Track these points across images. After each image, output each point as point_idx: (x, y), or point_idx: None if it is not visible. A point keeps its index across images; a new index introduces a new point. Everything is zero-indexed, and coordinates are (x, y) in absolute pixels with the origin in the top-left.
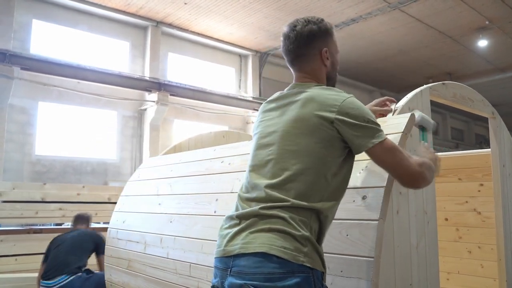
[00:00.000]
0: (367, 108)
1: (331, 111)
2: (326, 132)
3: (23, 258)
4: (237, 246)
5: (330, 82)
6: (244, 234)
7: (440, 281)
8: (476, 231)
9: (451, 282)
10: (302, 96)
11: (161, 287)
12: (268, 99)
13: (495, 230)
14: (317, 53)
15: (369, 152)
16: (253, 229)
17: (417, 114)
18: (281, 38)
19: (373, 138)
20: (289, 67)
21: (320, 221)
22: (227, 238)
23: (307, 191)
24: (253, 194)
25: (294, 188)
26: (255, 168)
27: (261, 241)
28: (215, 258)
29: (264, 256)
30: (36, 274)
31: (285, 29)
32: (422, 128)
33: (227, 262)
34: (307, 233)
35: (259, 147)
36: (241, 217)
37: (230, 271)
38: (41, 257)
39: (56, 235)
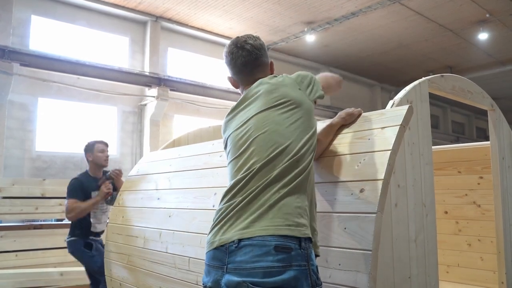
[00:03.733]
0: None
1: None
2: None
3: (23, 253)
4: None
5: None
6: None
7: (440, 274)
8: (475, 224)
9: (451, 274)
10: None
11: (161, 281)
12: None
13: (494, 222)
14: (268, 63)
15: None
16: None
17: None
18: (232, 52)
19: None
20: (243, 77)
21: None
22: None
23: None
24: None
25: None
26: None
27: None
28: (207, 253)
29: (263, 246)
30: (36, 270)
31: (234, 45)
32: None
33: (223, 259)
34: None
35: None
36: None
37: (226, 268)
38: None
39: (56, 231)
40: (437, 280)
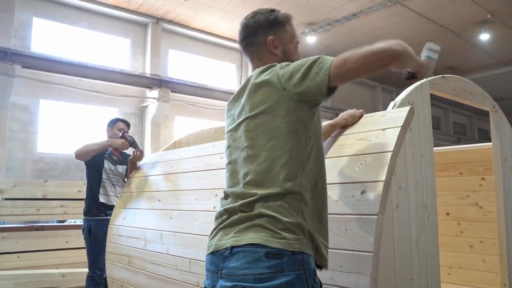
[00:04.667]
0: None
1: None
2: None
3: (25, 255)
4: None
5: None
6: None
7: (442, 276)
8: (477, 225)
9: (453, 276)
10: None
11: (162, 283)
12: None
13: (496, 224)
14: (263, 41)
15: None
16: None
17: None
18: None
19: None
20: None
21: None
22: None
23: None
24: None
25: None
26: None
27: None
28: (206, 256)
29: (254, 253)
30: (38, 271)
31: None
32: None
33: (218, 264)
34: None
35: None
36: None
37: (221, 273)
38: (43, 254)
39: (58, 232)
40: (439, 282)
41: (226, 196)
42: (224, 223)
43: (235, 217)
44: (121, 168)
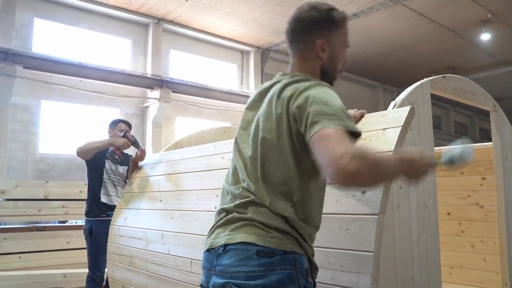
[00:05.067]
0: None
1: None
2: None
3: (26, 255)
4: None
5: (326, 77)
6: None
7: (443, 275)
8: (478, 225)
9: (454, 276)
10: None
11: (163, 283)
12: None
13: (497, 224)
14: (312, 42)
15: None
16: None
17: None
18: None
19: None
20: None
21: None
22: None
23: None
24: None
25: None
26: None
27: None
28: (203, 253)
29: (246, 251)
30: (39, 272)
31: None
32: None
33: (212, 261)
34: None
35: None
36: None
37: (214, 270)
38: (44, 254)
39: (59, 232)
40: (440, 281)
41: (226, 193)
42: (221, 221)
43: (230, 216)
44: (122, 169)
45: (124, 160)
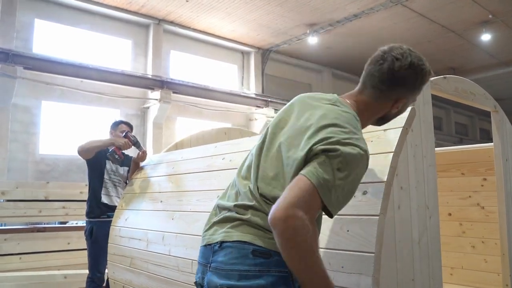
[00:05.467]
0: None
1: None
2: None
3: (27, 256)
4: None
5: (380, 122)
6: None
7: (444, 276)
8: (479, 225)
9: (455, 277)
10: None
11: (164, 284)
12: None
13: (498, 224)
14: (391, 98)
15: None
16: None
17: None
18: (374, 58)
19: None
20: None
21: None
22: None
23: None
24: None
25: None
26: None
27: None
28: (200, 247)
29: (242, 249)
30: (40, 273)
31: (382, 53)
32: None
33: (208, 257)
34: None
35: None
36: None
37: (209, 266)
38: (45, 255)
39: (59, 233)
40: (441, 282)
41: (234, 185)
42: (219, 218)
43: (229, 214)
44: (122, 170)
45: (125, 161)
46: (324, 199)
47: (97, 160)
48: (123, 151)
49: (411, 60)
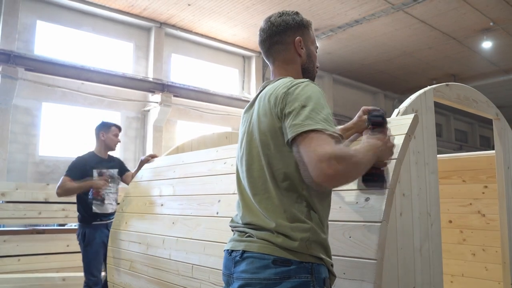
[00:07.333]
0: None
1: None
2: None
3: (26, 258)
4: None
5: (307, 74)
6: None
7: (444, 284)
8: (480, 233)
9: (455, 284)
10: None
11: None
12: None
13: (499, 232)
14: (290, 42)
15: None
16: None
17: None
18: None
19: None
20: (266, 60)
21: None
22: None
23: None
24: None
25: None
26: None
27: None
28: (224, 251)
29: (263, 259)
30: (39, 275)
31: (261, 23)
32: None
33: (230, 268)
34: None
35: None
36: None
37: (232, 277)
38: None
39: (58, 236)
40: None
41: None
42: (241, 224)
43: (250, 220)
44: (113, 171)
45: (113, 163)
46: (318, 128)
47: (85, 174)
48: (102, 187)
49: (280, 11)
